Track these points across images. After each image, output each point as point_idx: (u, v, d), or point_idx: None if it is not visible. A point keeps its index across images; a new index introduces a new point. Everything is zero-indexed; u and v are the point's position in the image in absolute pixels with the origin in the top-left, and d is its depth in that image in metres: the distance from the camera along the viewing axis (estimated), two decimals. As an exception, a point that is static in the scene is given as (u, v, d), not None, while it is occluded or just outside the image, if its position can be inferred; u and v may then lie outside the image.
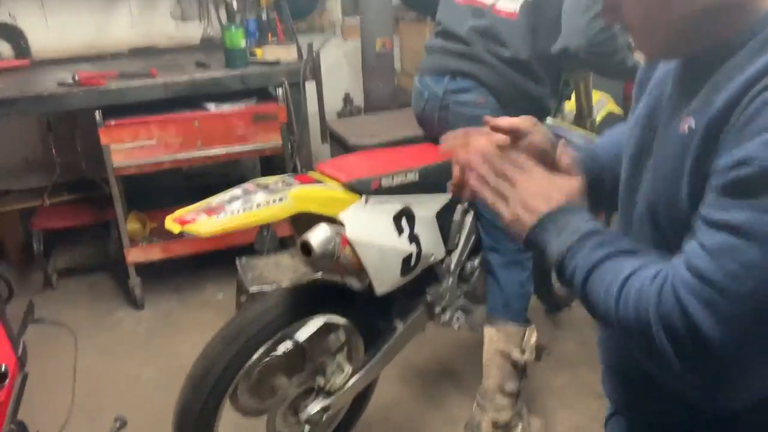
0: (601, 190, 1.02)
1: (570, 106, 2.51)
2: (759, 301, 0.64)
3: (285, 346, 1.71)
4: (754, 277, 0.64)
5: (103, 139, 2.76)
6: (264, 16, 3.35)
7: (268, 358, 1.70)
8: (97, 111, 2.71)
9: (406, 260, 1.83)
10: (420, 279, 1.97)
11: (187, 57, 3.33)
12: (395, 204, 1.82)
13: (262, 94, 3.12)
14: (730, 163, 0.67)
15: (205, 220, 1.57)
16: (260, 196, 1.63)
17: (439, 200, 1.96)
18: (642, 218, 0.86)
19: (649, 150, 0.86)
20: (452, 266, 2.08)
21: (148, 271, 3.09)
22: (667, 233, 0.80)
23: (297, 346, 1.72)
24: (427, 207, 1.92)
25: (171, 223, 1.58)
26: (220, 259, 3.20)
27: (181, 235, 2.67)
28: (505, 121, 0.97)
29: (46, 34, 3.37)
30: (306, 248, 1.62)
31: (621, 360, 0.95)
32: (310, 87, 3.11)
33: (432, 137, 2.07)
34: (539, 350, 2.11)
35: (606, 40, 1.79)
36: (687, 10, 0.75)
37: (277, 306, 1.73)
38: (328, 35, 3.94)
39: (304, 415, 1.83)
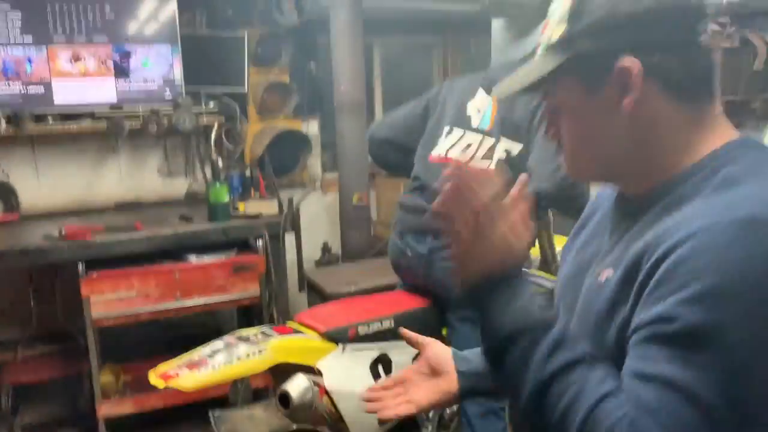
0: None
1: (534, 252, 2.62)
2: None
3: None
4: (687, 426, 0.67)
5: (84, 291, 2.80)
6: (248, 173, 3.55)
7: None
8: (80, 263, 2.78)
9: None
10: (399, 428, 1.95)
11: (171, 211, 3.46)
12: (372, 351, 1.87)
13: (243, 245, 3.23)
14: (653, 318, 0.70)
15: (188, 374, 1.63)
16: (241, 349, 1.69)
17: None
18: None
19: (576, 293, 0.90)
20: (431, 413, 2.07)
21: (118, 426, 3.00)
22: None
23: None
24: (404, 352, 1.92)
25: (155, 378, 1.64)
26: (193, 411, 3.13)
27: (157, 388, 2.67)
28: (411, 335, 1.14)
29: (37, 191, 3.51)
30: (284, 399, 1.65)
31: None
32: (290, 238, 3.24)
33: (412, 286, 2.14)
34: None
35: (571, 185, 1.90)
36: (616, 143, 0.82)
37: None
38: (308, 190, 4.13)
39: None
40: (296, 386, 1.69)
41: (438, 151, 2.13)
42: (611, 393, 0.72)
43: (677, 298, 0.68)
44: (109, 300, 2.86)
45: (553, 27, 0.84)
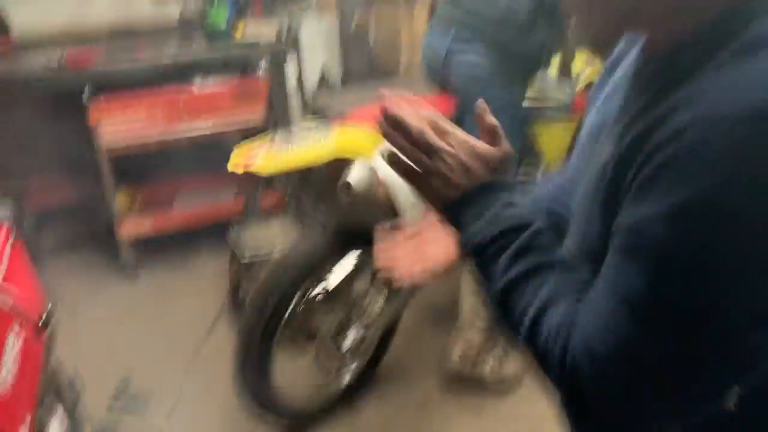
0: None
1: (552, 72, 2.60)
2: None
3: (318, 289, 1.92)
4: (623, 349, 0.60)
5: (93, 118, 2.86)
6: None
7: (303, 303, 1.89)
8: (85, 91, 2.80)
9: None
10: None
11: (166, 38, 3.42)
12: None
13: (244, 70, 3.23)
14: (625, 225, 0.61)
15: (263, 162, 1.77)
16: (306, 139, 1.82)
17: None
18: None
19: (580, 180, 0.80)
20: None
21: (138, 245, 3.21)
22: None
23: (328, 287, 1.94)
24: None
25: (232, 165, 1.78)
26: (206, 229, 3.34)
27: (171, 206, 2.81)
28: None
29: (27, 17, 3.41)
30: (347, 188, 1.83)
31: None
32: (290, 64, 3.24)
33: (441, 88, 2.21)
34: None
35: None
36: None
37: (313, 249, 1.91)
38: (303, 12, 4.04)
39: (345, 346, 2.03)
40: (357, 175, 1.85)
41: None
42: (555, 300, 0.68)
43: (651, 209, 0.57)
44: (117, 126, 2.92)
45: None
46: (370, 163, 1.92)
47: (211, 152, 3.86)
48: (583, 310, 0.65)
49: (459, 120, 2.21)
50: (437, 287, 2.33)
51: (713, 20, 0.61)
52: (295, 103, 3.34)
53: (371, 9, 3.63)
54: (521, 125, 2.21)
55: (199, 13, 3.69)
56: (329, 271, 1.96)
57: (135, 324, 2.83)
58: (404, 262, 1.04)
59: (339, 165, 1.99)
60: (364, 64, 3.54)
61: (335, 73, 3.95)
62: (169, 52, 3.06)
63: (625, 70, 0.78)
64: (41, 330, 1.34)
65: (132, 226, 3.13)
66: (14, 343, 1.29)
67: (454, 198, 0.75)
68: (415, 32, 4.00)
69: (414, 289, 2.18)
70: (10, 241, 1.43)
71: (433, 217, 1.03)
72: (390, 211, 1.98)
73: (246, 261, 2.48)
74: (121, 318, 2.88)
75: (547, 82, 2.48)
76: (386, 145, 0.78)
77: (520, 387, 2.34)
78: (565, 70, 2.56)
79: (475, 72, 2.05)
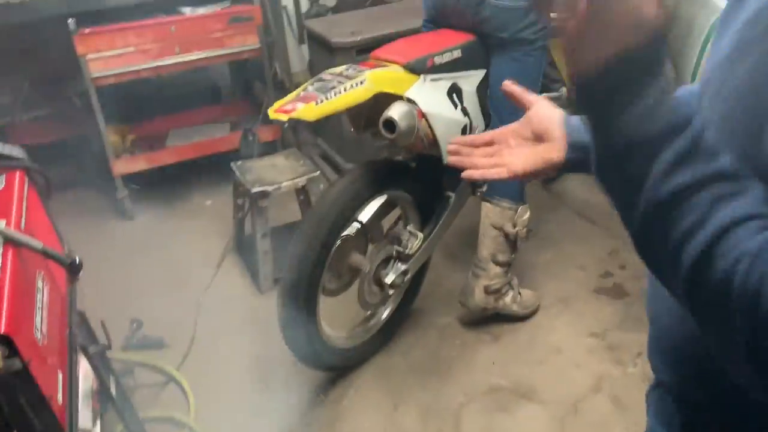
0: None
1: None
2: None
3: (352, 227, 1.95)
4: None
5: (79, 49, 2.70)
6: None
7: (339, 241, 1.92)
8: (69, 20, 2.63)
9: (464, 130, 2.05)
10: None
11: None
12: (445, 80, 1.99)
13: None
14: None
15: (305, 107, 1.71)
16: (344, 82, 1.77)
17: (477, 76, 2.12)
18: None
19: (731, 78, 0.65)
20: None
21: (133, 183, 3.10)
22: None
23: (362, 225, 1.97)
24: (469, 82, 2.09)
25: (274, 113, 1.73)
26: (202, 167, 3.24)
27: (164, 144, 2.72)
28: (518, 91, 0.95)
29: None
30: (389, 125, 1.81)
31: (677, 339, 0.76)
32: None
33: (451, 26, 2.15)
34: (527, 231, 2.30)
35: None
36: None
37: (346, 190, 1.92)
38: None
39: (388, 280, 2.07)
40: (400, 111, 1.83)
41: None
42: (751, 216, 0.55)
43: None
44: (106, 57, 2.76)
45: None
46: (408, 98, 1.88)
47: (203, 84, 3.73)
48: None
49: (478, 49, 2.13)
50: (458, 222, 2.32)
51: None
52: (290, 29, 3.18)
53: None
54: (546, 49, 2.15)
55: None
56: (361, 209, 1.97)
57: (137, 263, 2.76)
58: (478, 161, 0.91)
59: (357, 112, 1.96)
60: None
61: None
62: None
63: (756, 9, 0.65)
64: (72, 275, 1.28)
65: (126, 165, 3.01)
66: (44, 289, 1.22)
67: (608, 69, 0.57)
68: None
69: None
70: (26, 187, 1.34)
71: (512, 128, 0.94)
72: (430, 144, 1.95)
73: (257, 191, 2.40)
74: (122, 258, 2.80)
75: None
76: None
77: (539, 315, 2.36)
78: None
79: (512, 11, 2.00)
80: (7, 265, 1.08)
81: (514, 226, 2.19)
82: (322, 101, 1.72)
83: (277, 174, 2.53)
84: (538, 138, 0.91)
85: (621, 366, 2.13)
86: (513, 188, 2.20)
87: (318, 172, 2.55)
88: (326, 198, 1.91)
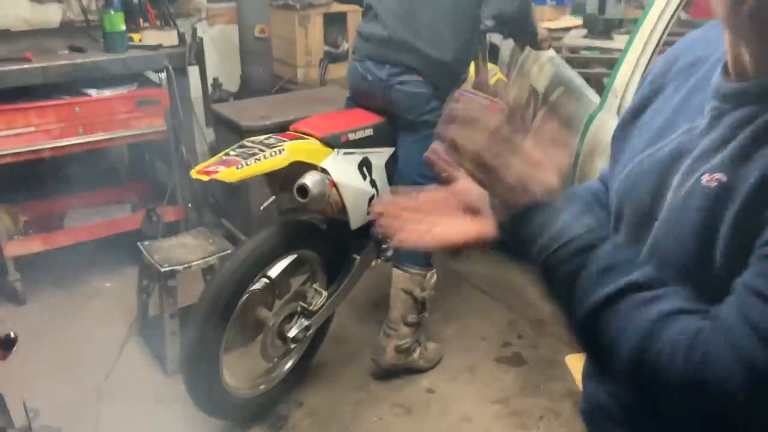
0: None
1: (471, 74, 2.82)
2: None
3: (260, 282, 2.05)
4: None
5: (-24, 127, 2.62)
6: (136, 1, 3.29)
7: (247, 295, 2.01)
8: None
9: (370, 200, 2.22)
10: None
11: (49, 41, 3.18)
12: (357, 155, 2.18)
13: (140, 79, 3.10)
14: None
15: (227, 170, 1.82)
16: (264, 150, 1.91)
17: (386, 153, 2.33)
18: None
19: (656, 192, 0.78)
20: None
21: (25, 266, 2.96)
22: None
23: (270, 281, 2.08)
24: (378, 157, 2.29)
25: (196, 174, 1.83)
26: (100, 249, 3.14)
27: (61, 225, 2.69)
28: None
29: None
30: (302, 191, 1.96)
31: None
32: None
33: (367, 107, 2.38)
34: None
35: (526, 5, 2.27)
36: None
37: (257, 247, 2.03)
38: (193, 20, 3.94)
39: (291, 334, 2.15)
40: (313, 179, 2.01)
41: None
42: (682, 310, 0.64)
43: None
44: (6, 136, 2.69)
45: None
46: (322, 167, 2.06)
47: (101, 165, 3.66)
48: (726, 317, 0.62)
49: (388, 130, 2.33)
50: (368, 283, 2.46)
51: None
52: (196, 111, 3.24)
53: (269, 20, 3.61)
54: None
55: (84, 15, 3.50)
56: (271, 266, 2.10)
57: (32, 350, 2.60)
58: (408, 228, 0.87)
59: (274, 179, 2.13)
60: (266, 75, 3.51)
61: (233, 81, 3.90)
62: (63, 56, 2.86)
63: (688, 88, 0.80)
64: (6, 350, 1.24)
65: (17, 246, 2.88)
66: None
67: (527, 203, 0.72)
68: (308, 44, 4.04)
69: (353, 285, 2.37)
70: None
71: (437, 198, 0.92)
72: (339, 210, 2.12)
73: (166, 270, 2.38)
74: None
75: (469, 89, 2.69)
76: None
77: (447, 385, 2.46)
78: (480, 76, 2.81)
79: (416, 97, 2.24)
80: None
81: (423, 290, 2.35)
82: (242, 166, 1.85)
83: (187, 253, 2.53)
84: (472, 211, 0.89)
85: (525, 430, 2.25)
86: (421, 255, 2.35)
87: (229, 251, 2.57)
88: (238, 253, 2.03)
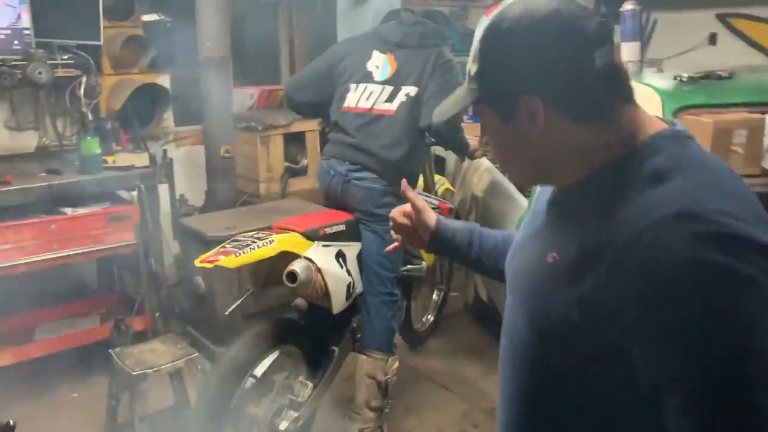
0: (465, 257, 1.36)
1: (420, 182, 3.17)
2: None
3: (249, 382, 2.21)
4: None
5: (-46, 246, 2.78)
6: (108, 126, 3.59)
7: (238, 394, 2.17)
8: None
9: (348, 287, 2.46)
10: (345, 311, 2.57)
11: (26, 165, 3.42)
12: (334, 247, 2.45)
13: (112, 197, 3.33)
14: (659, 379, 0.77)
15: (227, 258, 2.08)
16: (256, 242, 2.18)
17: (357, 247, 2.59)
18: (515, 332, 1.00)
19: (525, 275, 1.01)
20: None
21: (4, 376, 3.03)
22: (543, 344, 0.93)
23: (256, 379, 2.25)
24: (351, 250, 2.55)
25: (200, 263, 2.08)
26: (66, 361, 3.23)
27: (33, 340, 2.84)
28: (412, 195, 1.39)
29: None
30: (292, 277, 2.21)
31: None
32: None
33: (336, 205, 2.69)
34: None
35: (455, 120, 2.59)
36: (536, 156, 0.92)
37: (242, 350, 2.24)
38: (162, 142, 4.24)
39: (282, 427, 2.32)
40: (301, 265, 2.27)
41: (348, 103, 2.64)
42: None
43: (661, 355, 0.77)
44: (-17, 253, 2.85)
45: (471, 61, 0.94)
46: (306, 257, 2.33)
47: (75, 278, 3.81)
48: None
49: (356, 226, 2.61)
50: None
51: (612, 164, 0.88)
52: (165, 225, 3.46)
53: (234, 140, 3.93)
54: None
55: (58, 140, 3.77)
56: (256, 364, 2.28)
57: (-2, 463, 2.64)
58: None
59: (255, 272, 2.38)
60: (230, 190, 3.79)
61: (198, 197, 4.15)
62: (41, 178, 3.09)
63: (540, 206, 1.06)
64: None
65: (-11, 359, 2.97)
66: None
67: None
68: (270, 162, 4.36)
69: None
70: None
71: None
72: (323, 295, 2.36)
73: (137, 373, 2.51)
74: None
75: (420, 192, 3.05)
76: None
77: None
78: (428, 183, 3.17)
79: (371, 185, 2.56)
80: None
81: (385, 374, 2.54)
82: (240, 254, 2.11)
83: (157, 358, 2.66)
84: (419, 223, 1.37)
85: None
86: (384, 342, 2.58)
87: (196, 354, 2.71)
88: (227, 356, 2.20)
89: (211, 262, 2.11)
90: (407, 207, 1.37)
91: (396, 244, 1.43)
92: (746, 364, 0.73)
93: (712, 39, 5.23)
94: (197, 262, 2.14)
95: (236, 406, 2.20)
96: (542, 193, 1.09)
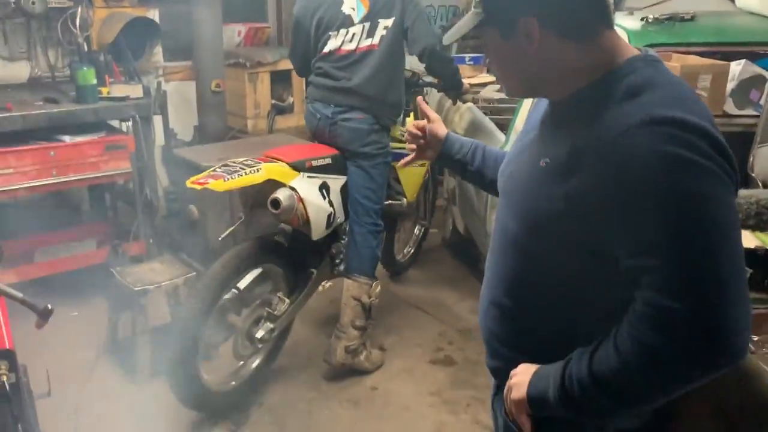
0: (467, 168, 1.52)
1: (410, 120, 3.32)
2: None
3: (231, 293, 2.40)
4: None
5: (-41, 167, 2.91)
6: (101, 58, 3.67)
7: (220, 303, 2.38)
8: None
9: (329, 217, 2.64)
10: (326, 237, 2.77)
11: (20, 94, 3.51)
12: (318, 179, 2.62)
13: (106, 127, 3.45)
14: (632, 255, 0.95)
15: (216, 182, 2.22)
16: (245, 168, 2.34)
17: (341, 180, 2.75)
18: (506, 227, 1.18)
19: (518, 179, 1.18)
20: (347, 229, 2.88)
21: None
22: (524, 236, 1.12)
23: (239, 291, 2.44)
24: (335, 183, 2.72)
25: (191, 184, 2.21)
26: (66, 283, 3.40)
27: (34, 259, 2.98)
28: (425, 108, 1.58)
29: None
30: (275, 203, 2.37)
31: (491, 333, 1.26)
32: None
33: (323, 143, 2.83)
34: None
35: (447, 48, 2.68)
36: (532, 71, 1.07)
37: (228, 264, 2.41)
38: (150, 77, 4.32)
39: (258, 335, 2.54)
40: (284, 194, 2.42)
41: (330, 48, 2.74)
42: (619, 333, 0.98)
43: (637, 238, 0.94)
44: (-13, 176, 2.98)
45: None
46: (290, 186, 2.49)
47: (69, 206, 3.95)
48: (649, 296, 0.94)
49: (342, 161, 2.77)
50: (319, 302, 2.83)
51: (595, 81, 1.04)
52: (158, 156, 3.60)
53: (224, 76, 4.05)
54: (389, 165, 2.85)
55: (50, 71, 3.85)
56: (240, 278, 2.47)
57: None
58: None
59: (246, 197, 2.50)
60: (221, 124, 3.92)
61: (186, 132, 4.28)
62: (40, 107, 3.20)
63: (536, 117, 1.21)
64: (43, 320, 1.56)
65: (-6, 277, 3.13)
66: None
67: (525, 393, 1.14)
68: (257, 98, 4.49)
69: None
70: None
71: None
72: (304, 223, 2.54)
73: (138, 289, 2.71)
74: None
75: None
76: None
77: (388, 383, 2.84)
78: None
79: (357, 125, 2.71)
80: (4, 305, 1.39)
81: (369, 297, 2.77)
82: (228, 179, 2.26)
83: (156, 275, 2.86)
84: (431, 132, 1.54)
85: (455, 415, 2.65)
86: (368, 267, 2.80)
87: (194, 273, 2.91)
88: (211, 269, 2.39)
89: (201, 184, 2.26)
90: (421, 121, 1.54)
91: (411, 156, 1.57)
92: (711, 231, 0.91)
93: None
94: (188, 183, 2.28)
95: (218, 313, 2.42)
96: (533, 112, 1.27)
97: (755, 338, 1.29)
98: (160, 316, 3.09)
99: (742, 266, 0.94)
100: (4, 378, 1.26)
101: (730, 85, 2.47)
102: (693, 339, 0.90)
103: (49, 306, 1.54)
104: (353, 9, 2.69)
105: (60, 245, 3.57)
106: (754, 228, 1.51)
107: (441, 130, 1.53)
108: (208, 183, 2.24)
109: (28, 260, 3.38)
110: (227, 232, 2.76)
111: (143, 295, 2.74)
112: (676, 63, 2.44)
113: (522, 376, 1.12)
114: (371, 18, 2.68)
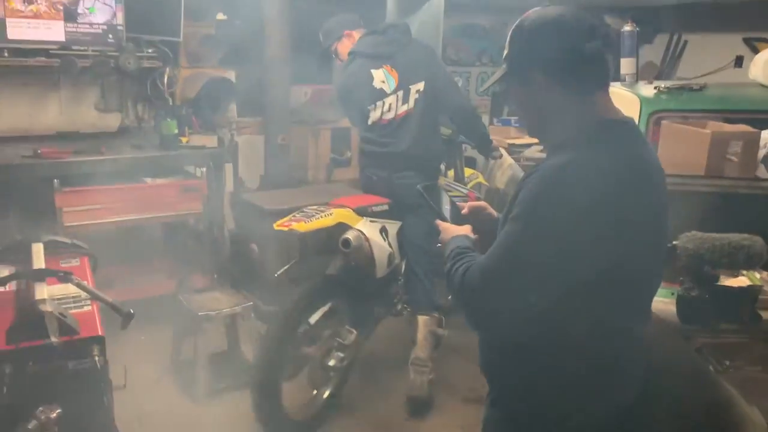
0: None
1: (450, 173, 3.65)
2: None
3: (303, 327, 2.73)
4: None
5: (58, 203, 3.35)
6: (183, 111, 4.14)
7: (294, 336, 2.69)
8: (55, 179, 3.32)
9: (389, 256, 2.96)
10: (386, 277, 3.06)
11: (112, 141, 3.99)
12: (379, 223, 2.95)
13: (182, 172, 3.88)
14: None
15: (298, 224, 2.62)
16: (319, 213, 2.72)
17: (397, 225, 3.09)
18: None
19: None
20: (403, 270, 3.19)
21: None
22: None
23: (310, 326, 2.75)
24: (392, 227, 3.05)
25: (278, 226, 2.60)
26: (136, 308, 3.75)
27: (112, 286, 3.31)
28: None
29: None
30: (346, 243, 2.72)
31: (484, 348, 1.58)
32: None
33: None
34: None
35: (477, 115, 3.14)
36: (538, 113, 1.37)
37: (300, 300, 2.74)
38: (224, 131, 4.79)
39: (331, 364, 2.83)
40: (353, 234, 2.77)
41: (373, 120, 3.13)
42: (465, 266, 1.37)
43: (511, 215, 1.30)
44: (80, 211, 3.41)
45: (505, 48, 1.40)
46: (358, 228, 2.82)
47: (144, 242, 4.37)
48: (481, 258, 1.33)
49: (396, 208, 3.10)
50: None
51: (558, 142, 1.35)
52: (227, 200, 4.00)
53: (289, 132, 4.46)
54: None
55: (137, 122, 4.34)
56: (311, 313, 2.78)
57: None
58: None
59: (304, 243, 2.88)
60: (283, 173, 4.31)
61: (253, 180, 4.69)
62: (128, 152, 3.65)
63: None
64: (125, 322, 1.87)
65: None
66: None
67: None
68: (318, 152, 4.88)
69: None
70: (87, 265, 1.97)
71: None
72: (369, 261, 2.84)
73: (202, 314, 3.03)
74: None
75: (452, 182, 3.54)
76: None
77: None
78: (458, 176, 3.64)
79: (411, 186, 2.94)
80: (93, 308, 1.71)
81: (441, 328, 3.08)
82: (308, 221, 2.64)
83: (218, 303, 3.19)
84: None
85: None
86: (435, 302, 3.13)
87: (251, 303, 3.22)
88: (286, 307, 2.70)
89: (286, 226, 2.64)
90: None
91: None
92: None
93: (738, 61, 5.54)
94: (275, 225, 2.65)
95: (294, 346, 2.72)
96: None
97: (727, 363, 1.48)
98: (216, 345, 3.40)
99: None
100: (97, 358, 1.56)
101: (762, 152, 2.63)
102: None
103: (131, 311, 1.83)
104: (383, 82, 3.07)
105: (135, 276, 3.96)
106: (727, 266, 1.70)
107: (491, 212, 1.75)
108: (291, 225, 2.63)
109: (109, 287, 3.77)
110: (282, 270, 3.06)
111: (206, 320, 3.06)
112: (707, 130, 2.56)
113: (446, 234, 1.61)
114: (403, 86, 3.04)
